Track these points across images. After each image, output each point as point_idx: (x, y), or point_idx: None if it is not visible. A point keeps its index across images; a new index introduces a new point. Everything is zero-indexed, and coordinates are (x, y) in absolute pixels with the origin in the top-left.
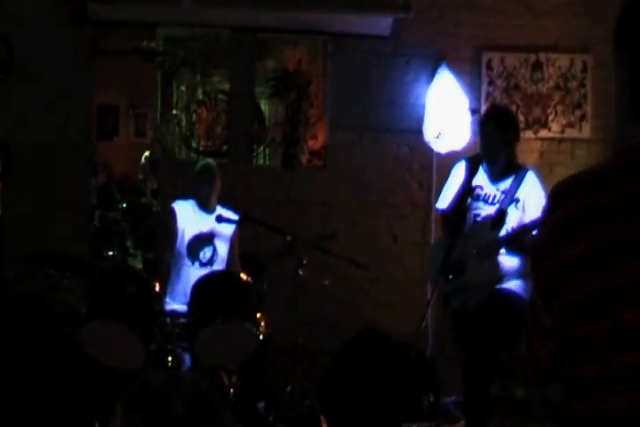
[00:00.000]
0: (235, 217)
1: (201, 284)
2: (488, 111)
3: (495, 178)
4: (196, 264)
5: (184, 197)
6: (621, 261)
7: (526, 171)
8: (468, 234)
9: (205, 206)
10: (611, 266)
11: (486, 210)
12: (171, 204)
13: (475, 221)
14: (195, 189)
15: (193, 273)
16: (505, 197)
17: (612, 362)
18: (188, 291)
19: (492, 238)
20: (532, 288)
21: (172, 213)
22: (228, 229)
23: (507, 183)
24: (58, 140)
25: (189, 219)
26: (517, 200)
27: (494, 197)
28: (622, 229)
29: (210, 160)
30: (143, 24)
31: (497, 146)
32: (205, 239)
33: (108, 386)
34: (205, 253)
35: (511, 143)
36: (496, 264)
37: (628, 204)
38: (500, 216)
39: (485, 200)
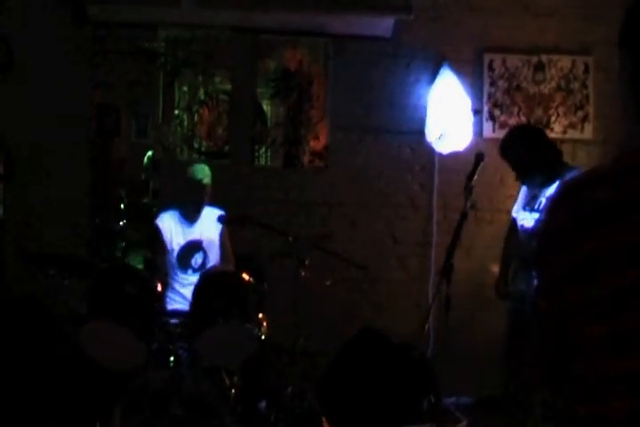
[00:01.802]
0: (220, 212)
1: (202, 284)
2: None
3: (539, 184)
4: (189, 271)
5: (170, 206)
6: (622, 263)
7: (571, 174)
8: (518, 244)
9: (189, 219)
10: (612, 269)
11: (531, 219)
12: (155, 219)
13: (522, 232)
14: (180, 202)
15: (188, 279)
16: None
17: (612, 364)
18: (187, 295)
19: (529, 252)
20: (535, 290)
21: (157, 230)
22: (215, 231)
23: (553, 188)
24: (58, 140)
25: (174, 231)
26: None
27: (539, 204)
28: (623, 232)
29: (203, 170)
30: (144, 25)
31: (517, 161)
32: (194, 247)
33: (108, 386)
34: (197, 260)
35: (529, 149)
36: (528, 279)
37: (629, 206)
38: None
39: (532, 208)
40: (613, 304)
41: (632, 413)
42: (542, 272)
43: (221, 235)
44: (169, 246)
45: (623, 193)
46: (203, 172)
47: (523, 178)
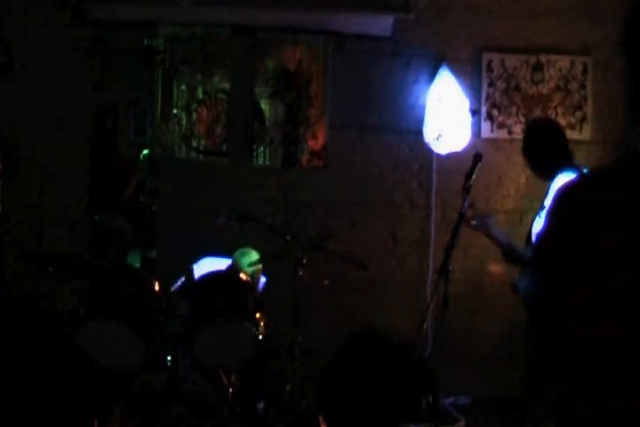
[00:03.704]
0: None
1: (200, 284)
2: None
3: (547, 180)
4: None
5: (211, 253)
6: (622, 264)
7: (566, 173)
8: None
9: None
10: (611, 269)
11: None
12: (192, 264)
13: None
14: None
15: None
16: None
17: (614, 363)
18: None
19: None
20: (537, 289)
21: (191, 274)
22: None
23: (554, 184)
24: (58, 139)
25: None
26: (543, 208)
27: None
28: (623, 233)
29: (251, 258)
30: (143, 23)
31: (529, 160)
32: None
33: (106, 386)
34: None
35: (536, 149)
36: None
37: (631, 207)
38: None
39: (541, 205)
40: (613, 304)
41: (632, 413)
42: (543, 271)
43: None
44: None
45: (625, 194)
46: (251, 260)
47: (533, 170)
